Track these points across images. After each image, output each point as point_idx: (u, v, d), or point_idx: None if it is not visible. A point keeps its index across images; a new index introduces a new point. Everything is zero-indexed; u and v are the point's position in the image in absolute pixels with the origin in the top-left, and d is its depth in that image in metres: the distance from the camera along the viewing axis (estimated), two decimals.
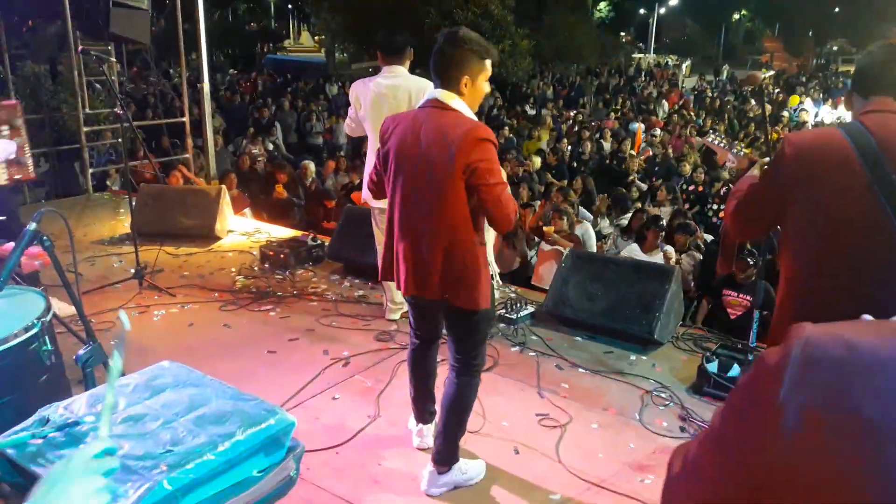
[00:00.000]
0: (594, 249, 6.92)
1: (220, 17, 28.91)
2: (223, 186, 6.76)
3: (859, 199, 1.85)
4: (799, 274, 2.02)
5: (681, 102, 18.40)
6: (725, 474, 0.74)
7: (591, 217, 7.69)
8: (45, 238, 1.87)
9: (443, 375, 3.04)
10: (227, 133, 12.35)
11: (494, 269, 2.92)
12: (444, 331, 2.77)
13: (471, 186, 2.38)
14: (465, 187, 2.39)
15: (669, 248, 6.23)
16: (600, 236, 7.12)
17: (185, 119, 8.42)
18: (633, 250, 6.24)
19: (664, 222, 6.66)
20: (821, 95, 20.54)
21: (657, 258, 6.16)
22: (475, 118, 2.46)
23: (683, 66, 31.03)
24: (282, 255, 5.47)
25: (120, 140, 7.17)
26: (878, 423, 0.62)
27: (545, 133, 13.06)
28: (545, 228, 6.01)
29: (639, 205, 8.35)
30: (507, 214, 2.40)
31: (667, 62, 32.37)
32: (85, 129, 7.77)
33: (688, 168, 9.12)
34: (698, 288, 6.02)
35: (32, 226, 1.85)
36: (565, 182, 9.17)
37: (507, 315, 4.39)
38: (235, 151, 10.96)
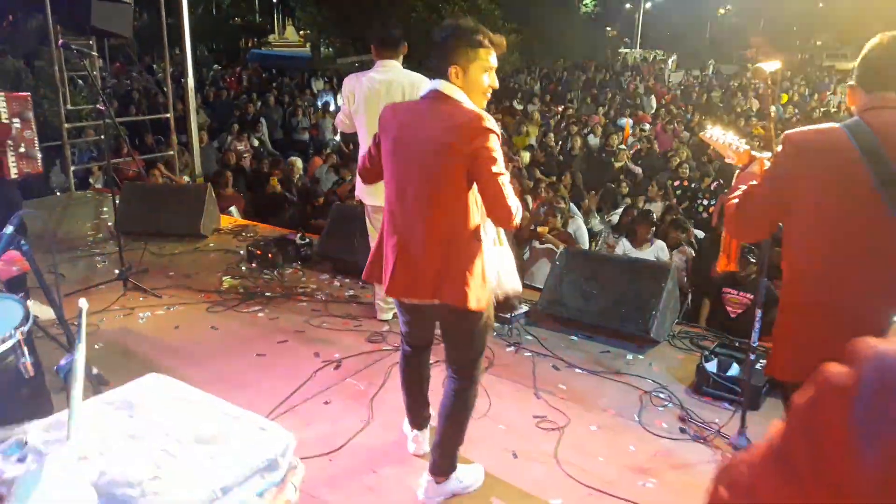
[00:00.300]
0: (586, 245, 6.87)
1: (205, 11, 28.56)
2: (209, 184, 6.64)
3: (862, 197, 1.80)
4: (803, 275, 1.97)
5: (668, 97, 18.38)
6: (794, 499, 0.68)
7: (581, 213, 7.64)
8: (22, 242, 1.76)
9: (436, 377, 2.97)
10: (211, 129, 12.17)
11: (517, 288, 2.78)
12: (440, 335, 2.68)
13: (472, 176, 2.29)
14: (465, 177, 2.30)
15: (661, 243, 6.18)
16: (592, 234, 7.06)
17: (170, 115, 8.26)
18: (625, 246, 6.19)
19: (655, 217, 6.62)
20: (807, 91, 20.63)
21: (649, 254, 6.12)
22: (475, 107, 2.35)
23: (669, 61, 31.07)
24: (269, 254, 5.36)
25: (102, 137, 7.02)
26: None
27: (534, 129, 12.98)
28: (539, 229, 5.93)
29: (629, 200, 8.32)
30: (509, 207, 2.29)
31: (654, 56, 32.40)
32: (66, 125, 7.59)
33: (677, 163, 9.09)
34: (692, 285, 5.97)
35: (9, 229, 1.74)
36: (554, 178, 9.10)
37: (500, 314, 4.31)
38: (220, 148, 10.79)
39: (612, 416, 3.37)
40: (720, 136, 2.56)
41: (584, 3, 35.73)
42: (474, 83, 2.35)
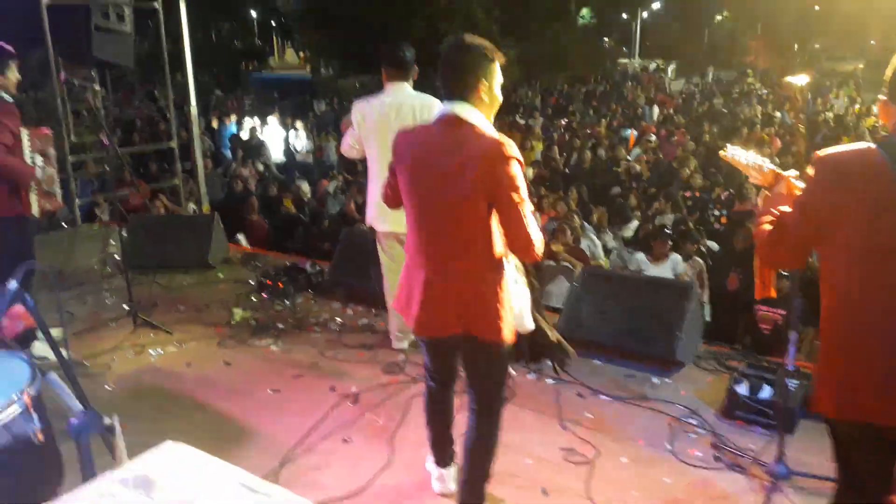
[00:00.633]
0: (601, 260, 6.77)
1: (204, 37, 28.69)
2: (215, 213, 6.56)
3: None
4: (840, 301, 1.85)
5: (671, 104, 18.31)
6: None
7: (592, 228, 7.53)
8: (27, 298, 1.67)
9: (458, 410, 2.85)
10: (215, 156, 12.15)
11: (529, 327, 2.67)
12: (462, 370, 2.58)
13: (493, 206, 2.20)
14: (487, 208, 2.20)
15: (677, 257, 6.07)
16: (605, 251, 6.95)
17: (174, 143, 8.21)
18: (640, 261, 6.09)
19: (668, 230, 6.51)
20: (809, 95, 20.55)
21: (666, 268, 6.01)
22: (495, 131, 2.26)
23: (669, 69, 31.11)
24: (280, 284, 5.26)
25: (107, 168, 6.96)
26: None
27: (538, 144, 12.92)
28: (554, 247, 5.83)
29: (638, 213, 8.21)
30: (531, 239, 2.19)
31: (656, 66, 32.43)
32: (71, 158, 7.53)
33: (688, 174, 8.99)
34: (710, 299, 5.86)
35: (13, 284, 1.64)
36: (561, 193, 9.00)
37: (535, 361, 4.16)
38: (225, 174, 10.75)
39: (642, 445, 3.24)
40: (743, 156, 2.45)
41: (580, 15, 35.83)
42: (495, 98, 2.32)
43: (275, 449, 3.20)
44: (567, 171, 11.04)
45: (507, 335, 2.36)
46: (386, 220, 3.85)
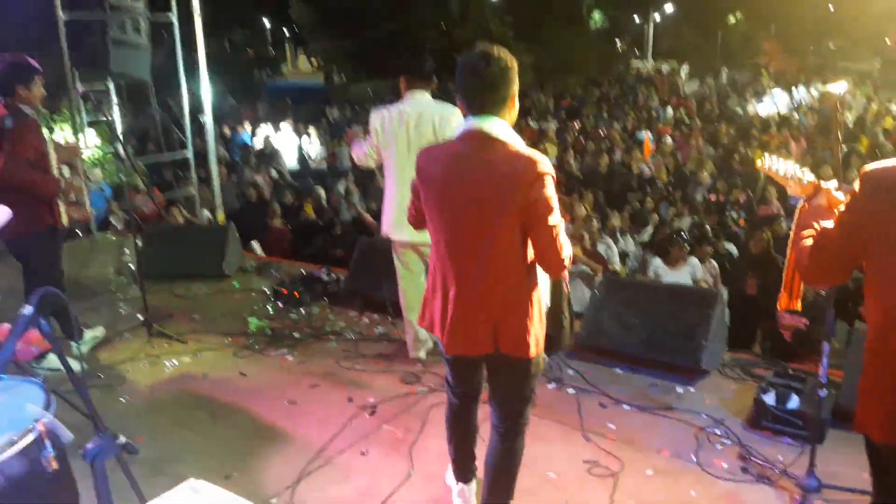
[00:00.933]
0: (618, 264, 6.68)
1: (218, 47, 28.87)
2: (231, 221, 6.55)
3: None
4: (893, 321, 1.76)
5: (685, 111, 18.12)
6: None
7: (607, 232, 7.44)
8: (42, 322, 1.63)
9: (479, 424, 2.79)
10: (229, 164, 12.17)
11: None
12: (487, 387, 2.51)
13: (526, 224, 2.14)
14: (519, 226, 2.15)
15: (695, 261, 5.98)
16: (625, 256, 6.87)
17: (188, 153, 8.22)
18: (658, 266, 6.00)
19: (684, 233, 6.42)
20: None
21: (684, 273, 5.91)
22: (525, 146, 2.20)
23: (682, 71, 30.86)
24: (296, 293, 5.22)
25: (122, 177, 6.97)
26: None
27: (552, 147, 12.82)
28: (573, 251, 5.76)
29: (656, 217, 8.11)
30: (561, 258, 2.15)
31: (671, 68, 32.19)
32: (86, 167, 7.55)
33: (705, 176, 8.87)
34: (730, 305, 5.75)
35: (28, 310, 1.60)
36: (576, 196, 8.91)
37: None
38: (239, 182, 10.75)
39: (667, 457, 3.16)
40: (780, 167, 2.36)
41: (592, 18, 35.70)
42: (516, 107, 2.25)
43: (293, 462, 3.16)
44: (582, 175, 10.94)
45: (541, 347, 2.33)
46: (402, 231, 3.80)
